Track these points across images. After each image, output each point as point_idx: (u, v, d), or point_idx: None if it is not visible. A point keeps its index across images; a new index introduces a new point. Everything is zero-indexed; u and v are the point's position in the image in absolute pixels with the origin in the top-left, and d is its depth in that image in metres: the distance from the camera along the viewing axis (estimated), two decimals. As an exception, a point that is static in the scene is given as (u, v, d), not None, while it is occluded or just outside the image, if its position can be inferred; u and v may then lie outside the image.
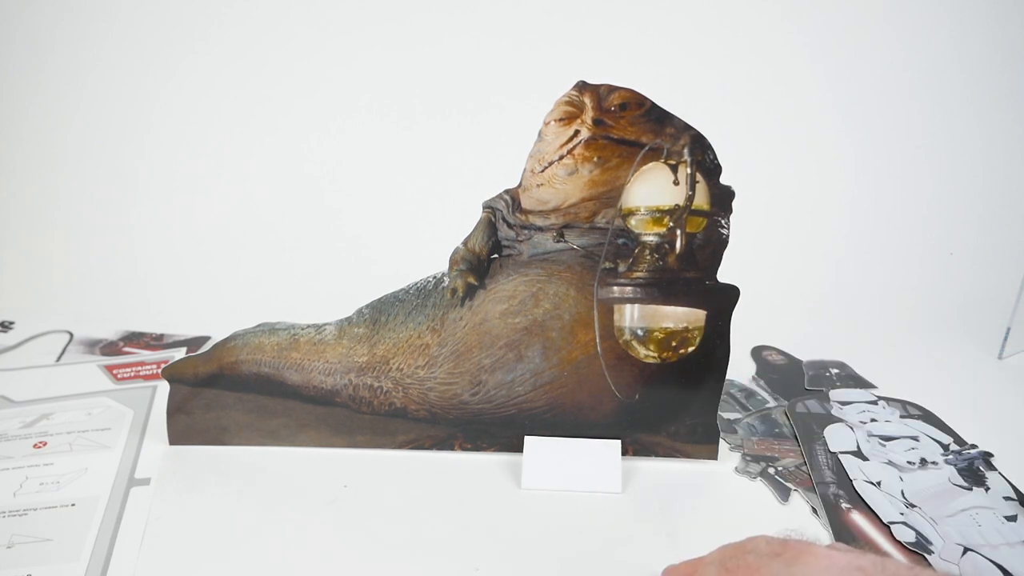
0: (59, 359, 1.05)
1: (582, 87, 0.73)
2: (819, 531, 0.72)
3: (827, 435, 0.86)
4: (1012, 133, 1.34)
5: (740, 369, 1.02)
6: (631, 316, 0.77)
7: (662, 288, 0.75)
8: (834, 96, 1.33)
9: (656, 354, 0.77)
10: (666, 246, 0.75)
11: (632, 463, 0.81)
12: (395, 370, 0.81)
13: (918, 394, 0.95)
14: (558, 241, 0.76)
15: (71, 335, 1.13)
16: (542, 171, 0.75)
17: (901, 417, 0.90)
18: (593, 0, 1.29)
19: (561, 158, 0.74)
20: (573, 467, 0.78)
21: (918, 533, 0.70)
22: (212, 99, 1.34)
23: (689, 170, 0.73)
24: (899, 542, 0.69)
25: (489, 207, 0.77)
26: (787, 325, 1.17)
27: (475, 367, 0.80)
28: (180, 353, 1.06)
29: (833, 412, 0.91)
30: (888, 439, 0.85)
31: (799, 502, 0.76)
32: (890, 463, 0.80)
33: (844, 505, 0.74)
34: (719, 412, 0.81)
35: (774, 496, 0.76)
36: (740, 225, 0.78)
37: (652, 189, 0.74)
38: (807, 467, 0.81)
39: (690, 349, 0.78)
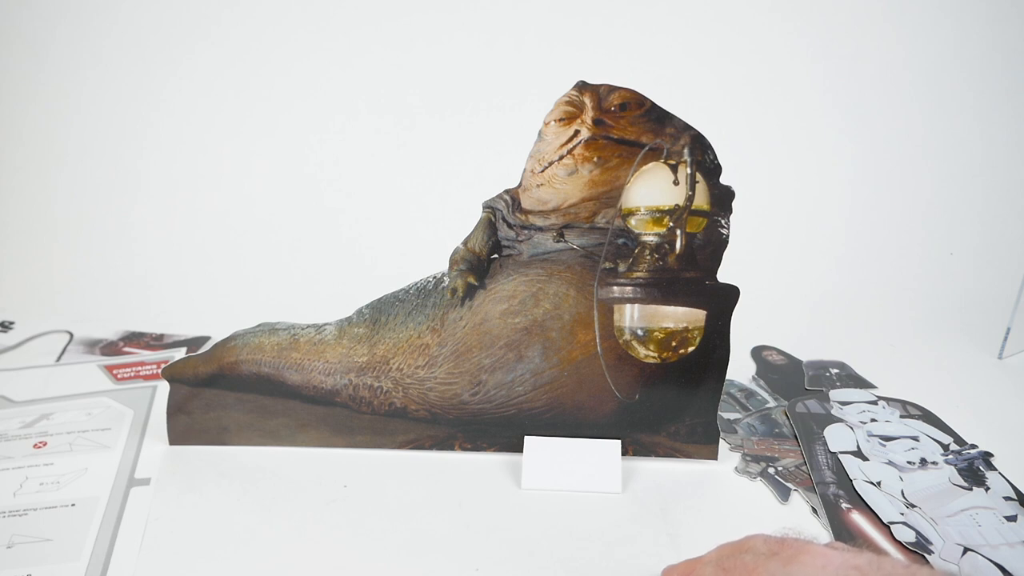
0: (59, 359, 1.05)
1: (582, 87, 0.73)
2: (819, 531, 0.72)
3: (827, 435, 0.86)
4: (1012, 133, 1.34)
5: (740, 369, 1.02)
6: (631, 316, 0.77)
7: (662, 288, 0.75)
8: (834, 96, 1.33)
9: (656, 354, 0.77)
10: (666, 246, 0.75)
11: (632, 463, 0.81)
12: (395, 370, 0.81)
13: (918, 394, 0.95)
14: (558, 241, 0.76)
15: (71, 335, 1.13)
16: (542, 171, 0.75)
17: (901, 417, 0.90)
18: (593, 0, 1.29)
19: (561, 158, 0.74)
20: (573, 467, 0.78)
21: (918, 533, 0.70)
22: (212, 99, 1.34)
23: (689, 170, 0.73)
24: (899, 542, 0.69)
25: (489, 207, 0.77)
26: (787, 325, 1.17)
27: (475, 367, 0.80)
28: (180, 353, 1.06)
29: (833, 412, 0.91)
30: (888, 439, 0.85)
31: (799, 502, 0.76)
32: (890, 463, 0.80)
33: (844, 505, 0.74)
34: (719, 412, 0.81)
35: (774, 496, 0.76)
36: (740, 225, 0.78)
37: (652, 189, 0.74)
38: (807, 467, 0.81)
39: (690, 349, 0.78)
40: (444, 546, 0.68)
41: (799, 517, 0.73)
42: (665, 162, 0.73)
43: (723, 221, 0.75)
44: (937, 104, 1.34)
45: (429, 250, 0.85)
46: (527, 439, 0.80)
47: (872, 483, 0.77)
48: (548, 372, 0.79)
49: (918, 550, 0.68)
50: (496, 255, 0.78)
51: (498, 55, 1.30)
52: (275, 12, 1.31)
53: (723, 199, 0.75)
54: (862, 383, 0.99)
